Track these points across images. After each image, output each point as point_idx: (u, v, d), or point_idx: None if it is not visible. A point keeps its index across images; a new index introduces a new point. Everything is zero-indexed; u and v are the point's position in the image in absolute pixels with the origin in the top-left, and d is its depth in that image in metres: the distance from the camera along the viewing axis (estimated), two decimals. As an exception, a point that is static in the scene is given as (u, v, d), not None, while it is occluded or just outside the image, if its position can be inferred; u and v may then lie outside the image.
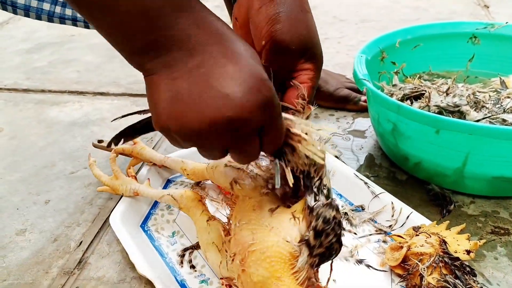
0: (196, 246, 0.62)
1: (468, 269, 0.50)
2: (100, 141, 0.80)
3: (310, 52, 0.44)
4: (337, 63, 1.21)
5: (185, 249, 0.62)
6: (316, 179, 0.42)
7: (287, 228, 0.42)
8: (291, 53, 0.43)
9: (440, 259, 0.51)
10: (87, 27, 0.73)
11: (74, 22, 0.71)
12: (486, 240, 0.62)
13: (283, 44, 0.42)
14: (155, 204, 0.70)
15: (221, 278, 0.53)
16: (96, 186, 0.77)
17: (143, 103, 1.04)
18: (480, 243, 0.55)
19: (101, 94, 1.10)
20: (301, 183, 0.42)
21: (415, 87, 0.78)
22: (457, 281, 0.49)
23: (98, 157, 0.78)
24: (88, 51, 1.36)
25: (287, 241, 0.41)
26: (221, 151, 0.38)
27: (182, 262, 0.60)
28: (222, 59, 0.34)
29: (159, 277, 0.55)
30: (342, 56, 1.26)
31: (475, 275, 0.50)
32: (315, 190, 0.42)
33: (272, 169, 0.47)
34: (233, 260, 0.46)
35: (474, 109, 0.72)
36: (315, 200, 0.42)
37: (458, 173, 0.68)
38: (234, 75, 0.33)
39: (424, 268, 0.50)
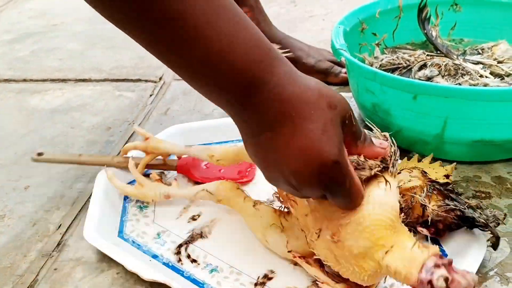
0: (189, 241, 0.59)
1: (457, 190, 0.54)
2: (40, 154, 0.68)
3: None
4: (321, 40, 1.20)
5: (179, 246, 0.59)
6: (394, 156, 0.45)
7: (379, 195, 0.42)
8: None
9: (433, 187, 0.53)
10: None
11: None
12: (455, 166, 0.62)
13: None
14: (124, 210, 0.65)
15: (289, 251, 0.52)
16: (76, 171, 0.76)
17: (125, 88, 1.04)
18: (453, 165, 0.58)
19: (83, 80, 1.08)
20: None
21: (392, 59, 0.77)
22: (455, 202, 0.52)
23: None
24: (71, 39, 1.34)
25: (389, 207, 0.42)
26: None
27: (180, 260, 0.57)
28: (289, 142, 0.37)
29: (171, 277, 0.52)
30: (327, 33, 1.24)
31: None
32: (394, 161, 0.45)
33: None
34: (318, 236, 0.44)
35: (450, 79, 0.71)
36: (393, 166, 0.44)
37: (438, 139, 0.67)
38: (295, 159, 0.37)
39: (423, 199, 0.52)
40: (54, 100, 1.01)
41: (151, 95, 1.00)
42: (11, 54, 1.27)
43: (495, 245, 0.51)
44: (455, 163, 0.60)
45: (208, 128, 0.78)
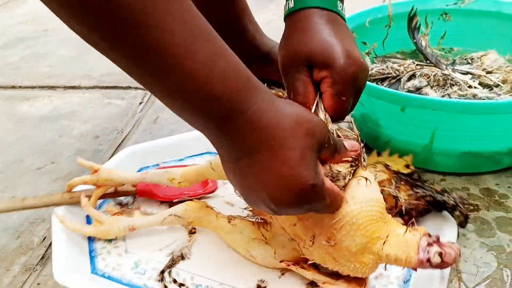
0: (171, 265, 0.56)
1: (421, 178, 0.58)
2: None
3: (320, 60, 0.46)
4: (313, 46, 1.20)
5: (162, 272, 0.55)
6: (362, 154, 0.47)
7: (363, 193, 0.44)
8: (293, 68, 0.47)
9: (399, 178, 0.56)
10: None
11: None
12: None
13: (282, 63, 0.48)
14: (91, 245, 0.60)
15: (281, 261, 0.52)
16: (63, 181, 0.76)
17: (115, 95, 1.03)
18: (411, 155, 0.61)
19: (72, 87, 1.08)
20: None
21: (382, 69, 0.77)
22: (423, 189, 0.55)
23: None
24: (62, 45, 1.33)
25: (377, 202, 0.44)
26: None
27: (166, 286, 0.53)
28: (267, 168, 0.38)
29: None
30: (318, 40, 1.24)
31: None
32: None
33: None
34: (313, 242, 0.46)
35: (439, 89, 0.71)
36: (364, 160, 0.47)
37: (427, 150, 0.67)
38: (274, 185, 0.38)
39: (394, 190, 0.54)
40: (43, 108, 1.00)
41: (140, 103, 0.99)
42: (1, 60, 1.26)
43: (463, 223, 0.56)
44: (411, 155, 0.62)
45: (165, 147, 0.75)
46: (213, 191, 0.67)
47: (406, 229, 0.44)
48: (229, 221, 0.55)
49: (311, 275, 0.50)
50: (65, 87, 1.08)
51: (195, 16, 0.36)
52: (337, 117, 0.48)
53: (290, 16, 0.51)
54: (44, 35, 1.42)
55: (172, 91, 0.36)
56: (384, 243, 0.44)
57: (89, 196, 0.62)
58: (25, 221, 0.67)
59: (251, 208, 0.54)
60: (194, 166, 0.59)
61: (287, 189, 0.38)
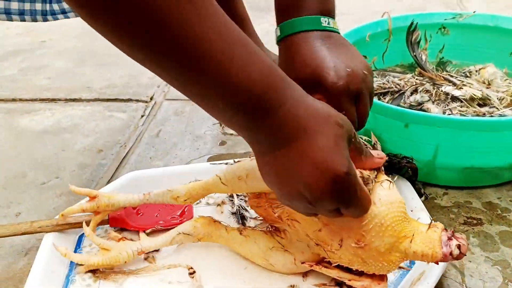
0: None
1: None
2: None
3: (310, 84, 0.49)
4: (311, 58, 1.21)
5: None
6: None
7: (388, 195, 0.47)
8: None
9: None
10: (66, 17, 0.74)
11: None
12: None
13: None
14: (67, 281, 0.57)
15: (303, 263, 0.53)
16: (68, 196, 0.76)
17: (116, 108, 1.03)
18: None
19: (73, 100, 1.08)
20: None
21: (383, 83, 0.79)
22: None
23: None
24: (59, 57, 1.33)
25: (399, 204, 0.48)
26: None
27: None
28: (304, 155, 0.40)
29: None
30: (316, 51, 1.25)
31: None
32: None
33: None
34: (341, 246, 0.48)
35: (441, 104, 0.72)
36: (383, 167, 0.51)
37: (429, 166, 0.68)
38: (310, 171, 0.40)
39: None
40: (44, 121, 1.00)
41: (142, 116, 0.99)
42: (-1, 72, 1.25)
43: (414, 174, 0.65)
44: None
45: (171, 176, 0.71)
46: (189, 219, 0.62)
47: (429, 227, 0.47)
48: (240, 233, 0.56)
49: (335, 273, 0.52)
50: (66, 100, 1.08)
51: (229, 27, 0.38)
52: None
53: (279, 44, 0.54)
54: (41, 47, 1.42)
55: (215, 96, 0.38)
56: (411, 241, 0.47)
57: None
58: (32, 238, 0.67)
59: (261, 217, 0.55)
60: (199, 182, 0.58)
61: (322, 175, 0.39)
